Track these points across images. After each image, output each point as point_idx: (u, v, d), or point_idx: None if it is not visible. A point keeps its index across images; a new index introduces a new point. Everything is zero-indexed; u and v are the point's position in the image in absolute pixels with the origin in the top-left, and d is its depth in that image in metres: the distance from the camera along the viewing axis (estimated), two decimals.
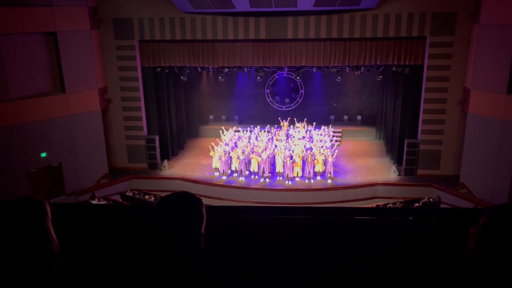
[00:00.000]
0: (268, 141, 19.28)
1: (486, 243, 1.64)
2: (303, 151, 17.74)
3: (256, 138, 19.44)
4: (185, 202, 1.81)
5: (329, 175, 17.19)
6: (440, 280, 2.59)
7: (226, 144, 18.84)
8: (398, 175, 17.87)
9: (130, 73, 18.21)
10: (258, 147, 18.29)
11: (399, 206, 14.73)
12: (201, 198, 1.89)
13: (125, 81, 18.31)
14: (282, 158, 17.15)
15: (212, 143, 18.44)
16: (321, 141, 19.13)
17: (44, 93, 16.31)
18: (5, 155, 15.00)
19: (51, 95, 16.45)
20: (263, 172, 17.38)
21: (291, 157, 17.22)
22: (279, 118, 21.10)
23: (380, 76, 20.45)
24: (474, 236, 1.68)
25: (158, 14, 17.32)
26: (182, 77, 20.67)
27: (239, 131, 20.63)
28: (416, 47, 17.06)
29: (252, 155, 17.53)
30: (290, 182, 17.14)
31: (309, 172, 17.21)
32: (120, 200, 16.41)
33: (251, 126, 21.10)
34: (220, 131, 19.81)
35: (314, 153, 17.41)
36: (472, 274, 1.66)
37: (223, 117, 23.65)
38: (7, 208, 1.79)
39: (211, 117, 23.86)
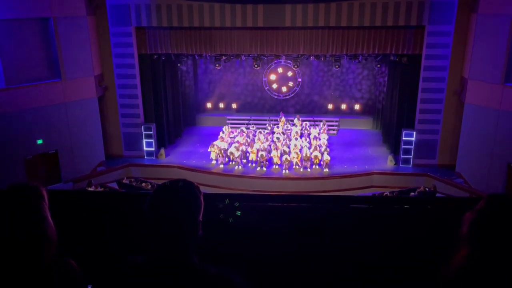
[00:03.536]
0: (265, 136, 19.14)
1: (480, 228, 1.65)
2: (299, 149, 17.73)
3: (253, 140, 19.27)
4: (183, 189, 1.80)
5: (325, 169, 17.20)
6: (435, 267, 2.61)
7: (226, 141, 18.79)
8: (395, 164, 17.94)
9: (127, 60, 18.06)
10: (259, 140, 18.39)
11: (395, 195, 14.81)
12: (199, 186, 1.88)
13: (121, 68, 18.18)
14: (278, 156, 17.21)
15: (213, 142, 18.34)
16: (318, 139, 19.20)
17: (40, 79, 16.20)
18: (1, 142, 14.94)
19: (47, 82, 16.33)
20: (260, 163, 17.40)
21: (288, 154, 17.25)
22: (280, 115, 21.01)
23: (378, 65, 20.39)
24: (468, 220, 1.70)
25: (155, 1, 17.11)
26: (179, 65, 20.55)
27: (240, 120, 20.63)
28: (414, 36, 16.99)
29: (249, 149, 17.66)
30: (287, 171, 17.17)
31: (305, 167, 17.27)
32: (117, 187, 16.43)
33: (249, 115, 21.05)
34: (221, 132, 19.68)
35: (310, 151, 17.51)
36: (463, 258, 1.68)
37: (220, 105, 23.56)
38: (2, 194, 1.79)
39: (208, 105, 23.77)
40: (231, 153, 17.54)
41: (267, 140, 18.53)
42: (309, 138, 19.36)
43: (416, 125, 17.75)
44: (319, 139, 19.06)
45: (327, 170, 17.19)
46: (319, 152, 17.41)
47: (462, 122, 16.82)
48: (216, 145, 17.93)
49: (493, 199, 1.71)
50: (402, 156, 17.82)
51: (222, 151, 17.73)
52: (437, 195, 15.29)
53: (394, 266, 2.85)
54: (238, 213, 2.62)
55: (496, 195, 1.72)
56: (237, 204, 2.74)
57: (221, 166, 17.66)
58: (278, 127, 20.14)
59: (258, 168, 17.38)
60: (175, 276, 1.70)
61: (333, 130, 21.44)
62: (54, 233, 1.81)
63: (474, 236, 1.66)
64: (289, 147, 17.95)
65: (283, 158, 16.98)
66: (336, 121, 22.00)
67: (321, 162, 17.24)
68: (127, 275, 1.76)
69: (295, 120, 20.79)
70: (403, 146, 17.72)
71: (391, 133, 19.20)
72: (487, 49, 15.48)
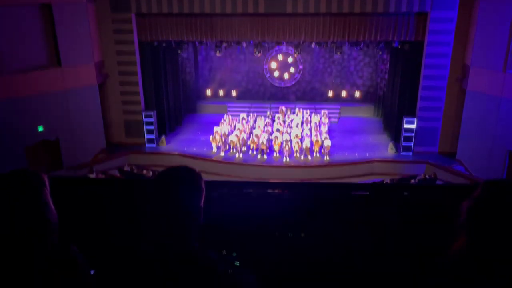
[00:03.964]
0: (266, 126, 19.14)
1: (477, 215, 1.65)
2: (300, 139, 17.71)
3: (254, 127, 19.24)
4: (184, 176, 1.81)
5: (326, 157, 17.20)
6: (434, 254, 2.63)
7: (227, 128, 18.82)
8: (395, 152, 17.94)
9: (127, 47, 17.97)
10: (259, 127, 18.38)
11: (395, 182, 14.84)
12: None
13: (122, 55, 18.09)
14: (279, 145, 17.23)
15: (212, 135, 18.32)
16: (317, 124, 19.12)
17: (40, 66, 16.12)
18: (1, 130, 14.93)
19: (47, 69, 16.27)
20: (261, 150, 17.40)
21: (289, 142, 17.23)
22: (281, 107, 20.99)
23: (380, 52, 20.27)
24: (466, 208, 1.70)
25: None
26: (179, 52, 20.45)
27: (240, 108, 20.67)
28: (416, 23, 16.85)
29: (249, 141, 17.62)
30: (287, 159, 17.17)
31: (305, 154, 17.27)
32: (118, 175, 16.47)
33: (250, 103, 21.04)
34: (222, 119, 19.69)
35: (312, 140, 17.48)
36: (462, 246, 1.68)
37: (221, 92, 23.50)
38: (4, 180, 1.79)
39: (208, 92, 23.71)
40: (232, 141, 17.55)
41: (268, 131, 18.45)
42: (310, 125, 19.33)
43: (417, 112, 17.71)
44: (320, 126, 19.03)
45: (327, 158, 17.19)
46: (320, 139, 17.39)
47: (464, 109, 16.77)
48: (217, 132, 17.89)
49: (490, 185, 1.71)
50: (402, 144, 17.81)
51: (223, 138, 17.71)
52: (438, 182, 15.32)
53: (393, 253, 2.87)
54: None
55: (493, 182, 1.72)
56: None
57: (222, 154, 17.66)
58: (279, 118, 20.08)
59: (259, 156, 17.40)
60: (177, 262, 1.71)
61: (334, 117, 21.40)
62: (56, 219, 1.82)
63: (472, 224, 1.67)
64: (290, 135, 17.92)
65: (284, 146, 16.97)
66: (337, 109, 21.95)
67: (322, 150, 17.23)
68: (128, 262, 1.77)
69: (296, 110, 20.74)
70: (404, 134, 17.69)
71: (392, 121, 19.16)
72: (489, 36, 15.37)
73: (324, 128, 18.82)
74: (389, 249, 2.87)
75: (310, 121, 19.70)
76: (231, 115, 20.42)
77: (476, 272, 1.61)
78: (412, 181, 15.32)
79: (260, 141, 17.38)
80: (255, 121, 19.77)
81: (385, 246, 2.88)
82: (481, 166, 16.03)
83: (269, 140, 17.75)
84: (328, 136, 17.84)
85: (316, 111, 20.89)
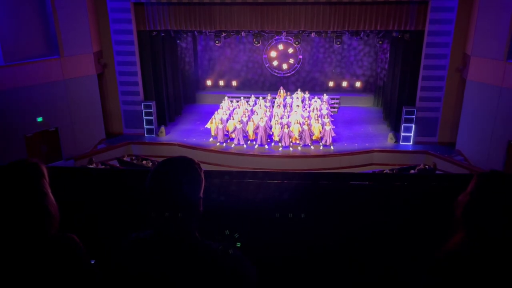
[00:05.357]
0: (266, 108, 19.09)
1: (473, 210, 1.65)
2: (300, 119, 17.60)
3: (254, 106, 19.24)
4: (184, 166, 1.80)
5: (326, 142, 17.17)
6: (433, 245, 2.63)
7: (225, 113, 18.76)
8: (395, 142, 17.94)
9: (126, 36, 17.86)
10: (256, 113, 18.24)
11: (395, 172, 14.86)
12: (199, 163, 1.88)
13: (120, 45, 17.99)
14: (279, 127, 17.14)
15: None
16: (317, 109, 19.03)
17: (39, 56, 16.06)
18: (1, 120, 14.92)
19: (45, 59, 16.20)
20: (260, 140, 17.33)
21: (289, 126, 17.15)
22: (281, 87, 20.95)
23: (380, 42, 20.16)
24: (462, 204, 1.69)
25: None
26: (178, 41, 20.31)
27: (239, 98, 20.52)
28: (417, 12, 16.74)
29: (249, 122, 17.54)
30: (290, 149, 17.15)
31: (305, 140, 17.21)
32: (118, 165, 16.49)
33: (249, 93, 20.96)
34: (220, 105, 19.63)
35: (311, 123, 17.38)
36: (459, 241, 1.68)
37: (220, 82, 23.42)
38: (3, 171, 1.79)
39: (208, 82, 23.63)
40: (230, 127, 17.47)
41: (266, 115, 18.30)
42: (309, 108, 19.18)
43: (417, 102, 17.68)
44: (320, 110, 18.86)
45: (332, 147, 17.09)
46: (320, 124, 17.26)
47: (464, 99, 16.73)
48: (215, 118, 17.83)
49: (483, 179, 1.70)
50: (402, 134, 17.80)
51: (222, 123, 17.56)
52: (437, 172, 15.35)
53: (392, 244, 2.87)
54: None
55: (485, 174, 1.71)
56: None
57: (224, 144, 17.60)
58: (279, 103, 19.97)
59: (256, 146, 17.33)
60: (178, 251, 1.72)
61: (334, 107, 21.34)
62: (56, 209, 1.82)
63: (469, 219, 1.66)
64: (289, 121, 17.75)
65: (284, 130, 16.85)
66: (337, 99, 21.88)
67: (322, 136, 17.11)
68: (130, 251, 1.78)
69: (297, 93, 20.53)
70: (403, 124, 17.68)
71: (392, 111, 19.13)
72: (491, 25, 15.28)
73: (325, 111, 18.66)
74: (389, 240, 2.88)
75: (310, 105, 19.58)
76: (229, 100, 20.27)
77: (474, 268, 1.60)
78: (412, 171, 15.34)
79: (260, 135, 17.25)
80: (255, 103, 19.60)
81: (385, 237, 2.89)
82: (481, 156, 16.04)
83: (270, 128, 17.58)
84: (329, 121, 17.62)
85: (317, 94, 20.67)
